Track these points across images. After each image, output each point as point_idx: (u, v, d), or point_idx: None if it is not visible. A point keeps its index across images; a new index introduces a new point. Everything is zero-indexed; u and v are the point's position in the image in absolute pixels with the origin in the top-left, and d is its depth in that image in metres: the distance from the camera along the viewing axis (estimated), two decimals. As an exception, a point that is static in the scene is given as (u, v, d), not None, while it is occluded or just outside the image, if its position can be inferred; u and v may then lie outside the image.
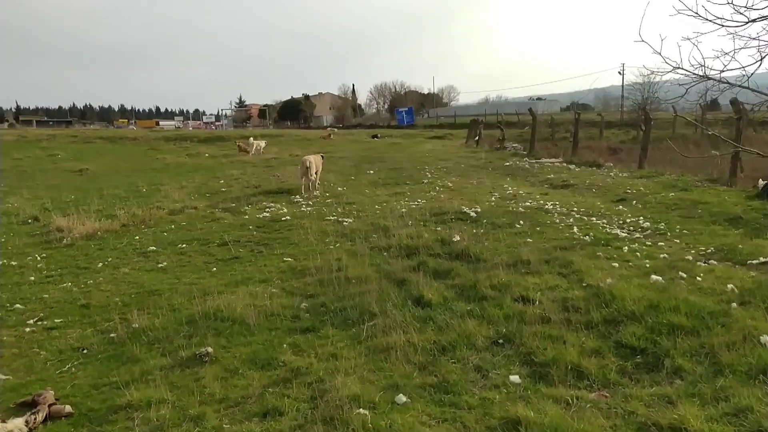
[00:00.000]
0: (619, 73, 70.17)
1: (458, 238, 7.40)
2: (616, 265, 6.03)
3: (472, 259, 6.61)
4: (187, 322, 5.19)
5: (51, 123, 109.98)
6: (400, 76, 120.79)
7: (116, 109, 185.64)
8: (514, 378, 3.73)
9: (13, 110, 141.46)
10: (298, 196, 13.15)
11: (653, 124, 42.79)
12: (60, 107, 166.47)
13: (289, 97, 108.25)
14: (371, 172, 17.71)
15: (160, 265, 7.62)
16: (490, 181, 14.37)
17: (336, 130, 43.83)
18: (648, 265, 5.93)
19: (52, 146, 34.72)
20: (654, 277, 5.32)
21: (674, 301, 4.46)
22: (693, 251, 6.56)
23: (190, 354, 4.40)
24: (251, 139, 32.45)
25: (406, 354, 4.07)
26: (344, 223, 9.47)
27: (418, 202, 11.28)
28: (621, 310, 4.46)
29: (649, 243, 7.04)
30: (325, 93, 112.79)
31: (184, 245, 8.75)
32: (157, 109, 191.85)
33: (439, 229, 8.40)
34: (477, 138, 28.26)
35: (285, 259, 7.40)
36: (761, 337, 3.81)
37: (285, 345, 4.50)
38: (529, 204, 10.44)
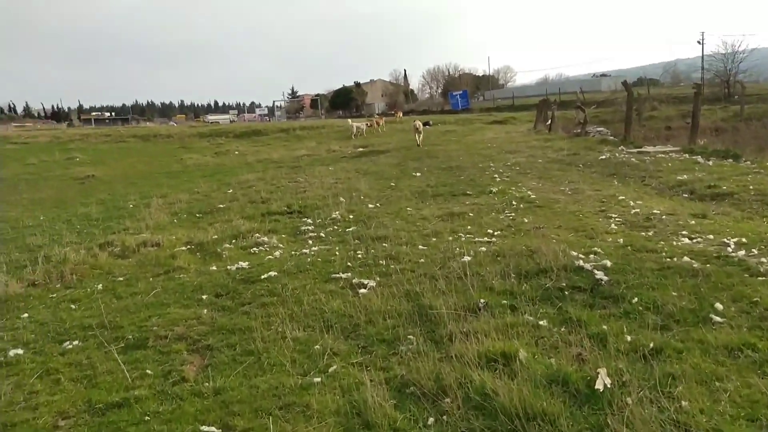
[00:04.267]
0: (698, 42, 63.02)
1: (606, 384, 3.07)
2: None
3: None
4: None
5: (107, 121, 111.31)
6: (453, 59, 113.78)
7: (176, 105, 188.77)
8: None
9: (77, 109, 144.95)
10: (309, 220, 9.08)
11: (745, 99, 36.37)
12: (123, 105, 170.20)
13: (341, 86, 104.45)
14: (418, 174, 13.37)
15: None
16: (590, 188, 9.79)
17: (381, 120, 36.40)
18: None
19: (80, 147, 32.38)
20: None
21: None
22: None
23: None
24: (350, 120, 34.23)
25: None
26: (360, 291, 5.29)
27: (488, 236, 6.94)
28: None
29: None
30: (376, 80, 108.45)
31: (75, 343, 4.85)
32: (215, 103, 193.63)
33: (543, 323, 4.07)
34: (549, 122, 23.35)
35: (205, 428, 3.30)
36: None
37: None
38: (689, 242, 5.91)
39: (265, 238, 8.06)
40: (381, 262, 6.19)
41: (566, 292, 4.63)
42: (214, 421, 3.37)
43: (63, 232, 9.70)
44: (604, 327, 3.85)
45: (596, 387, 3.03)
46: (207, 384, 3.85)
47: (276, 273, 6.11)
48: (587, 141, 18.33)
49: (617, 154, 14.04)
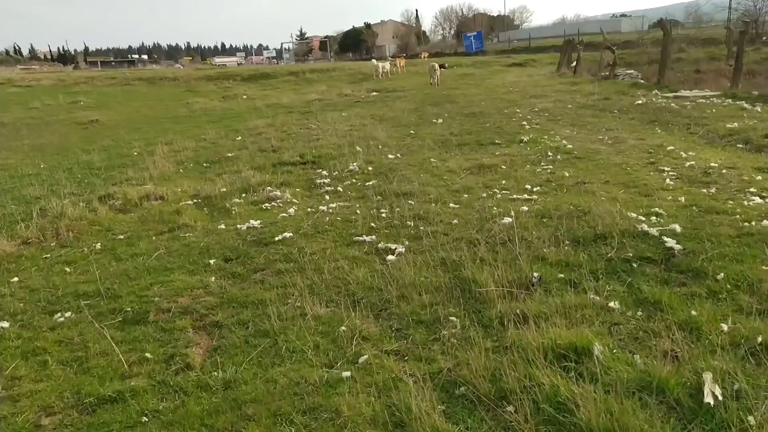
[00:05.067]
0: (728, -24, 59.17)
1: (717, 396, 2.43)
2: None
3: None
4: None
5: (113, 63, 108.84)
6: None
7: (183, 47, 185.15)
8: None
9: (83, 51, 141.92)
10: (324, 172, 8.36)
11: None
12: (129, 47, 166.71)
13: (351, 27, 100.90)
14: (439, 121, 12.47)
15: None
16: (631, 137, 8.93)
17: (402, 61, 36.09)
18: None
19: (85, 91, 31.37)
20: None
21: None
22: None
23: None
24: (374, 61, 33.53)
25: None
26: (388, 257, 4.64)
27: (527, 192, 6.21)
28: None
29: None
30: (387, 21, 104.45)
31: (67, 315, 4.27)
32: (222, 45, 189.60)
33: (613, 305, 3.41)
34: (574, 64, 22.04)
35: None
36: None
37: None
38: (763, 202, 5.16)
39: (278, 192, 7.38)
40: (408, 222, 5.51)
41: (634, 264, 3.95)
42: (223, 427, 2.79)
43: (63, 182, 9.07)
44: (693, 312, 3.18)
45: (705, 401, 2.38)
46: (215, 374, 3.26)
47: (291, 234, 5.47)
48: (617, 84, 17.18)
49: (654, 99, 13.01)
